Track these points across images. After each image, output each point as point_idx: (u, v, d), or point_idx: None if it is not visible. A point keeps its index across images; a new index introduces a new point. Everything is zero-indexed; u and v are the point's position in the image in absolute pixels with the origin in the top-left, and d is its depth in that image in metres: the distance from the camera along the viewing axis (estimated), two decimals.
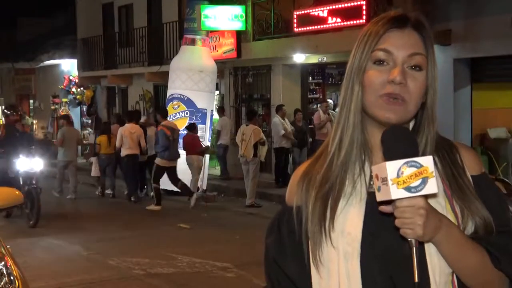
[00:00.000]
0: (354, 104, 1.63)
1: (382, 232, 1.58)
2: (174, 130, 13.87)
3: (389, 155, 1.49)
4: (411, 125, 1.66)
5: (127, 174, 14.88)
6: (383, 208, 1.51)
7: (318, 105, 16.43)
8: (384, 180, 1.46)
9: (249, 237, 10.12)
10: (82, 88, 25.00)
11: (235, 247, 9.59)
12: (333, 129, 1.69)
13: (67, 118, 16.93)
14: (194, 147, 14.37)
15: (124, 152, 14.46)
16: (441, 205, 1.60)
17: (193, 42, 15.86)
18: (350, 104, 1.64)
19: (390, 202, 1.49)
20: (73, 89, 25.36)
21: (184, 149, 14.55)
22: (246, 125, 14.17)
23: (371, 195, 1.58)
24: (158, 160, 13.71)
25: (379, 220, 1.57)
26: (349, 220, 1.61)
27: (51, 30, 28.60)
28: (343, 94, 1.67)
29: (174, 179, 13.91)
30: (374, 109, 1.61)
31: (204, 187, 15.34)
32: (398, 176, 1.45)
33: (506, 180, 6.16)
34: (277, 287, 1.76)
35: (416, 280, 1.48)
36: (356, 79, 1.63)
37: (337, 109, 1.70)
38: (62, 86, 25.76)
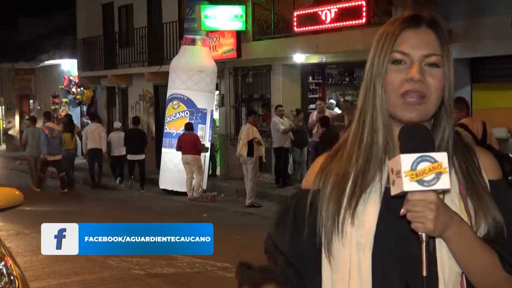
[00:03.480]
0: (379, 104, 1.65)
1: (396, 226, 1.61)
2: (54, 130, 16.55)
3: (405, 150, 1.53)
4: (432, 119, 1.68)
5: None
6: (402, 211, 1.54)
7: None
8: (398, 172, 1.50)
9: (249, 237, 10.13)
10: (82, 88, 25.00)
11: (235, 247, 9.59)
12: (355, 128, 1.70)
13: (33, 119, 18.88)
14: (194, 147, 14.40)
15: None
16: (456, 204, 1.62)
17: (193, 42, 15.86)
18: (374, 105, 1.66)
19: (404, 198, 1.52)
20: (73, 89, 25.36)
21: (178, 149, 14.58)
22: (245, 124, 14.24)
23: (387, 191, 1.61)
24: (41, 155, 16.44)
25: (394, 215, 1.59)
26: (365, 213, 1.64)
27: (51, 30, 28.60)
28: (363, 96, 1.69)
29: (58, 170, 16.64)
30: (395, 109, 1.63)
31: (204, 187, 15.36)
32: (411, 169, 1.48)
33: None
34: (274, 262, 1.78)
35: (424, 274, 1.51)
36: (378, 82, 1.65)
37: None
38: (62, 86, 25.76)
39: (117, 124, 18.53)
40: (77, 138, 19.25)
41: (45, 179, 17.12)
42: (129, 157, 16.80)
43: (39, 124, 18.47)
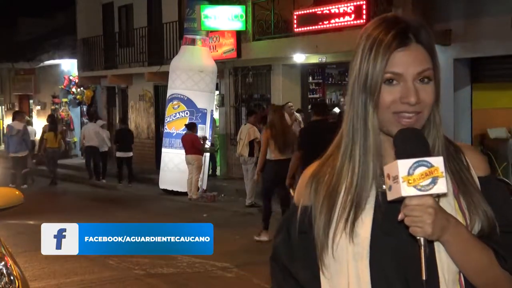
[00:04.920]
0: (372, 125, 1.64)
1: (392, 231, 1.61)
2: (13, 129, 17.41)
3: (401, 155, 1.53)
4: None
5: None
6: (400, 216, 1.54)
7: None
8: (395, 178, 1.50)
9: (249, 237, 10.13)
10: (82, 88, 24.99)
11: (235, 247, 9.59)
12: (345, 142, 1.69)
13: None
14: (193, 147, 14.41)
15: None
16: (451, 205, 1.62)
17: (193, 42, 15.86)
18: (366, 123, 1.64)
19: (401, 202, 1.52)
20: (73, 89, 25.35)
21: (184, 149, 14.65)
22: (245, 124, 14.25)
23: (380, 197, 1.61)
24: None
25: (388, 221, 1.59)
26: (359, 221, 1.63)
27: (51, 30, 28.58)
28: (352, 110, 1.66)
29: (21, 167, 17.51)
30: (388, 125, 1.63)
31: (204, 187, 15.36)
32: (408, 174, 1.49)
33: (506, 180, 6.17)
34: None
35: (424, 277, 1.52)
36: (371, 101, 1.63)
37: (344, 122, 1.70)
38: (62, 86, 25.75)
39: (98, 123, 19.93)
40: (73, 136, 20.16)
41: (24, 175, 17.84)
42: (119, 154, 17.98)
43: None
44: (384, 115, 1.62)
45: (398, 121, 1.61)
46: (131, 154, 18.19)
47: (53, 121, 19.67)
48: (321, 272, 1.69)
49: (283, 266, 1.78)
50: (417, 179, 1.48)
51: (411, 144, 1.55)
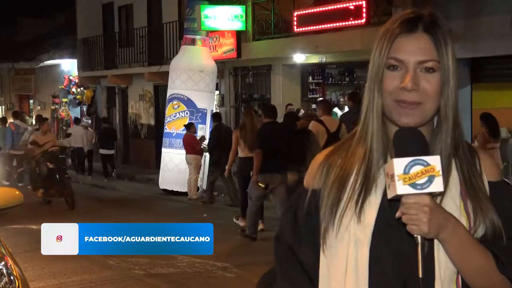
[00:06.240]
0: (375, 109, 1.67)
1: (395, 225, 1.61)
2: (20, 127, 18.40)
3: (399, 153, 1.55)
4: (435, 121, 1.67)
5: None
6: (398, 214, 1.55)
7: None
8: (392, 176, 1.52)
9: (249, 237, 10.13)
10: (82, 88, 24.99)
11: (235, 247, 9.60)
12: (360, 127, 1.72)
13: (3, 119, 20.11)
14: (191, 147, 14.42)
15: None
16: (457, 205, 1.63)
17: (193, 42, 15.86)
18: (373, 108, 1.68)
19: (400, 200, 1.54)
20: (73, 89, 25.35)
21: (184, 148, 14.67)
22: None
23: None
24: (6, 150, 18.09)
25: (393, 213, 1.60)
26: (364, 208, 1.65)
27: (51, 30, 28.59)
28: (367, 97, 1.70)
29: (18, 164, 18.20)
30: (392, 113, 1.65)
31: (204, 187, 15.35)
32: (404, 172, 1.51)
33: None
34: (286, 274, 1.77)
35: (420, 275, 1.53)
36: (376, 86, 1.66)
37: (362, 110, 1.73)
38: (62, 86, 25.75)
39: (85, 122, 21.67)
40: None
41: (12, 173, 18.42)
42: (102, 151, 19.11)
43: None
44: (387, 101, 1.64)
45: (399, 109, 1.62)
46: (113, 151, 19.42)
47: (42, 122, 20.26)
48: (321, 253, 1.70)
49: (288, 246, 1.78)
50: (413, 178, 1.50)
51: (409, 143, 1.56)
